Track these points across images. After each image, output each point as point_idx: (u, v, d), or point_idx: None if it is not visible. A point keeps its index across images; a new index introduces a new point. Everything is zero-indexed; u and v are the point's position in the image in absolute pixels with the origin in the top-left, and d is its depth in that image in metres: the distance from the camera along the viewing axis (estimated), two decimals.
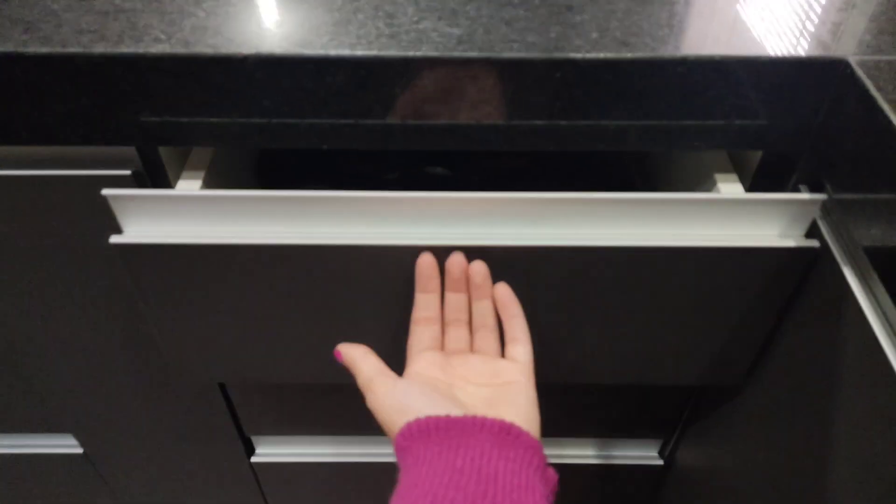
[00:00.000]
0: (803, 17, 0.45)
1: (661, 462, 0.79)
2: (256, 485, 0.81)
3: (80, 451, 0.78)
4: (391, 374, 0.42)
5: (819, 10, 0.45)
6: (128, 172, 0.48)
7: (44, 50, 0.40)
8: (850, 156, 0.42)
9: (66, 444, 0.78)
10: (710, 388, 0.66)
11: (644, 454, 0.80)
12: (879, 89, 0.39)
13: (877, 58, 0.41)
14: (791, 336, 0.51)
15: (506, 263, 0.46)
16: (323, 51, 0.41)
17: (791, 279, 0.47)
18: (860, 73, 0.40)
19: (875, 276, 0.42)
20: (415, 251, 0.45)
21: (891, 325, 0.41)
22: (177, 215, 0.44)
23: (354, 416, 0.72)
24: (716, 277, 0.47)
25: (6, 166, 0.49)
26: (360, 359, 0.42)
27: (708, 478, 0.69)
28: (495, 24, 0.43)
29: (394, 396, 0.39)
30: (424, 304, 0.45)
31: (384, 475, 0.79)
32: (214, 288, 0.47)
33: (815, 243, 0.45)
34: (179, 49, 0.40)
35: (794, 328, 0.51)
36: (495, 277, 0.46)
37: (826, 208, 0.46)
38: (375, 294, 0.48)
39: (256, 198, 0.44)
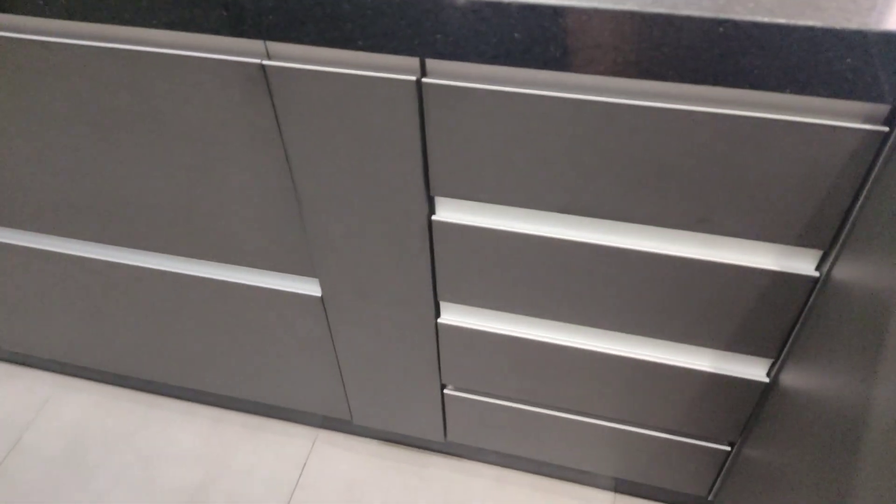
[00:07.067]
0: None
1: (766, 380, 0.92)
2: (436, 346, 1.03)
3: (318, 294, 1.03)
4: None
5: None
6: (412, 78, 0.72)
7: None
8: None
9: (308, 288, 1.02)
10: (815, 313, 0.78)
11: (752, 370, 0.93)
12: None
13: None
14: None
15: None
16: None
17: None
18: None
19: None
20: None
21: None
22: None
23: (546, 300, 0.92)
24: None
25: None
26: None
27: (809, 403, 0.74)
28: None
29: None
30: None
31: (556, 356, 0.99)
32: None
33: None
34: None
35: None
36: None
37: None
38: None
39: None
